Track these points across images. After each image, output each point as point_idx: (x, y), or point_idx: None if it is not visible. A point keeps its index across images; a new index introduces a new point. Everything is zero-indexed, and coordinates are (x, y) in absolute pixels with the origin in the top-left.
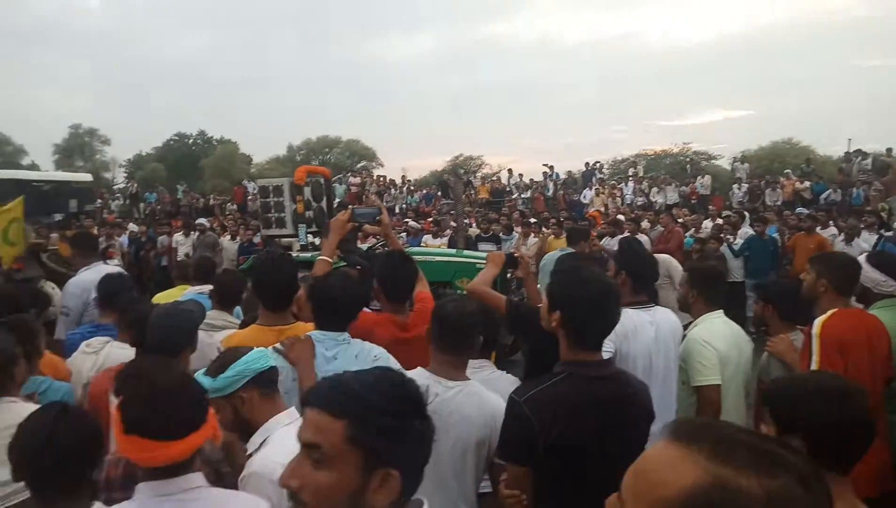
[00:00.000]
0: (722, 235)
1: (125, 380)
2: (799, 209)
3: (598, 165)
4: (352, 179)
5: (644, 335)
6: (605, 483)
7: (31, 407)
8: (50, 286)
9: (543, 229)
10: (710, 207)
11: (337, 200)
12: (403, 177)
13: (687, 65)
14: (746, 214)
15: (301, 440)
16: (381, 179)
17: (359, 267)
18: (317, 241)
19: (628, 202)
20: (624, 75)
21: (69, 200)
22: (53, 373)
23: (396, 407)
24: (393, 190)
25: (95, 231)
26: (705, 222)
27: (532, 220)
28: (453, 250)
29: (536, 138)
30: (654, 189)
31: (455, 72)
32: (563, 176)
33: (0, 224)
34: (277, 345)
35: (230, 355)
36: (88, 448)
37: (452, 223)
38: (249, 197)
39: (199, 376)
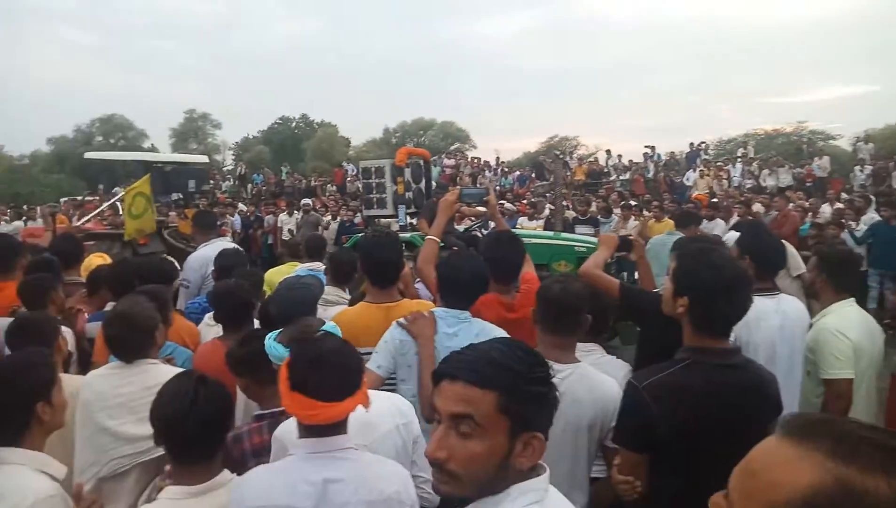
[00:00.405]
0: (843, 220)
1: (295, 342)
2: None
3: (703, 145)
4: (446, 161)
5: (768, 323)
6: (723, 476)
7: (171, 370)
8: (170, 261)
9: (644, 211)
10: (829, 190)
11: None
12: (497, 159)
13: (799, 37)
14: (873, 198)
15: (447, 413)
16: (476, 160)
17: (455, 247)
18: (414, 221)
19: (736, 185)
20: (729, 50)
21: (188, 180)
22: (181, 341)
23: (538, 374)
24: (487, 172)
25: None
26: (823, 206)
27: (632, 202)
28: (550, 233)
29: (634, 118)
30: (766, 171)
31: (551, 51)
32: (664, 157)
33: (127, 200)
34: (401, 320)
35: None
36: (224, 416)
37: (549, 205)
38: (348, 179)
39: (271, 341)
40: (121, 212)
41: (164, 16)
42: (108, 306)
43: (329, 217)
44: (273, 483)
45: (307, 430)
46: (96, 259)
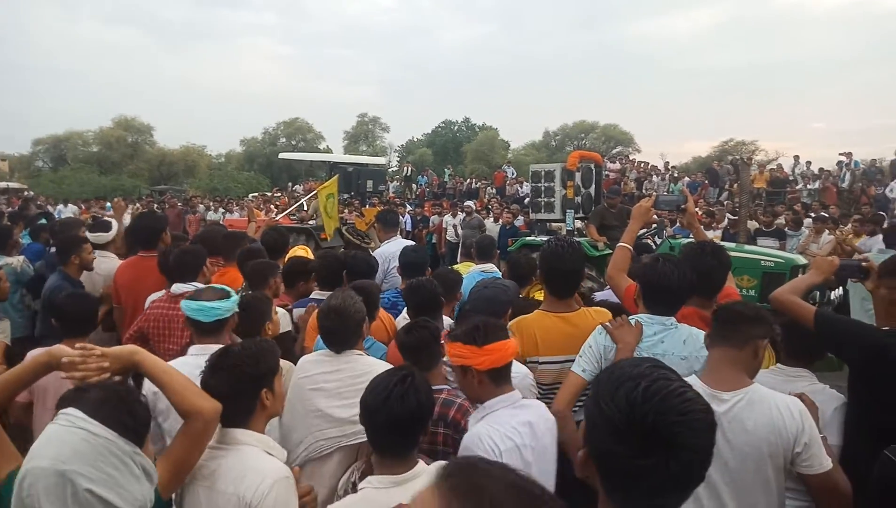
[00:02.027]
0: None
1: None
2: None
3: None
4: (610, 165)
5: None
6: None
7: (375, 362)
8: (374, 256)
9: (840, 225)
10: None
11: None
12: (666, 163)
13: None
14: None
15: None
16: (643, 165)
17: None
18: (581, 225)
19: None
20: None
21: (367, 180)
22: (384, 332)
23: None
24: (654, 177)
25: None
26: None
27: (824, 214)
28: (732, 244)
29: (826, 120)
30: None
31: (734, 48)
32: (862, 165)
33: (321, 200)
34: (606, 323)
35: None
36: (420, 416)
37: (728, 215)
38: (508, 182)
39: None
40: (305, 208)
41: (347, 24)
42: (315, 295)
43: (491, 219)
44: (497, 430)
45: (492, 383)
46: (300, 251)
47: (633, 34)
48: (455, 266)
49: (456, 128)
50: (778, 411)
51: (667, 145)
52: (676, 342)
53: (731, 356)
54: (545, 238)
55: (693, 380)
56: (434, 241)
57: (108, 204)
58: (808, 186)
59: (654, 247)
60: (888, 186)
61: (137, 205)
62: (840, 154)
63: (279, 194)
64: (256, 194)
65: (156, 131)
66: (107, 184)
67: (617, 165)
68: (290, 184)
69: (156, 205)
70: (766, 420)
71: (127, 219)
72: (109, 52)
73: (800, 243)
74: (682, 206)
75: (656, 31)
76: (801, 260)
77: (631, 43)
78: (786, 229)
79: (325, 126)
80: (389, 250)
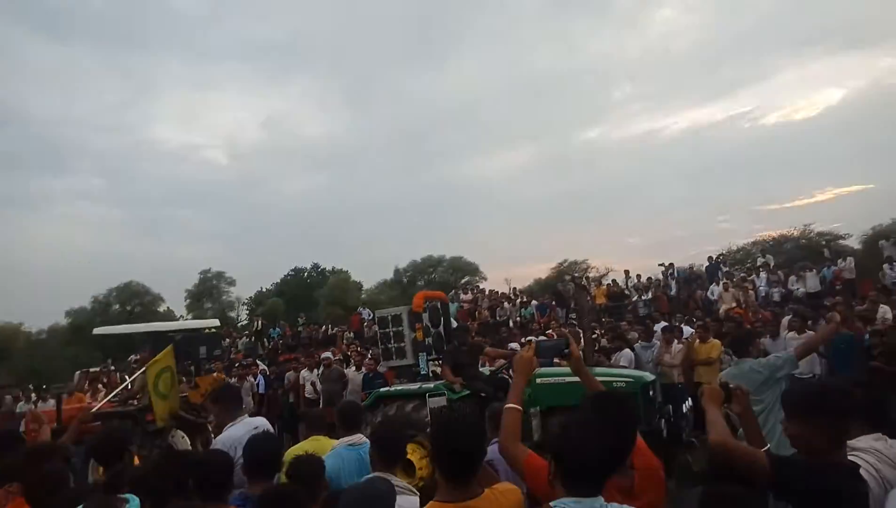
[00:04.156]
0: None
1: None
2: None
3: (721, 257)
4: (463, 297)
5: None
6: None
7: None
8: (180, 436)
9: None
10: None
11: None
12: (514, 289)
13: (788, 143)
14: None
15: None
16: (493, 293)
17: (483, 394)
18: (437, 369)
19: (762, 295)
20: (722, 162)
21: (199, 346)
22: None
23: None
24: (506, 304)
25: (224, 374)
26: (881, 309)
27: (672, 324)
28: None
29: (635, 237)
30: (793, 278)
31: (550, 179)
32: (683, 273)
33: (150, 378)
34: None
35: None
36: None
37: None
38: (365, 323)
39: None
40: (130, 386)
41: (179, 185)
42: None
43: (352, 369)
44: None
45: None
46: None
47: (460, 173)
48: (303, 443)
49: (306, 274)
50: None
51: (510, 270)
52: None
53: None
54: (408, 388)
55: None
56: (291, 401)
57: None
58: (643, 297)
59: (510, 381)
60: (709, 290)
61: None
62: (659, 264)
63: (103, 370)
64: (80, 371)
65: None
66: None
67: (469, 296)
68: (123, 356)
69: None
70: None
71: None
72: None
73: (655, 354)
74: (566, 350)
75: (480, 168)
76: (649, 377)
77: (459, 180)
78: (639, 343)
79: (164, 288)
80: (235, 435)
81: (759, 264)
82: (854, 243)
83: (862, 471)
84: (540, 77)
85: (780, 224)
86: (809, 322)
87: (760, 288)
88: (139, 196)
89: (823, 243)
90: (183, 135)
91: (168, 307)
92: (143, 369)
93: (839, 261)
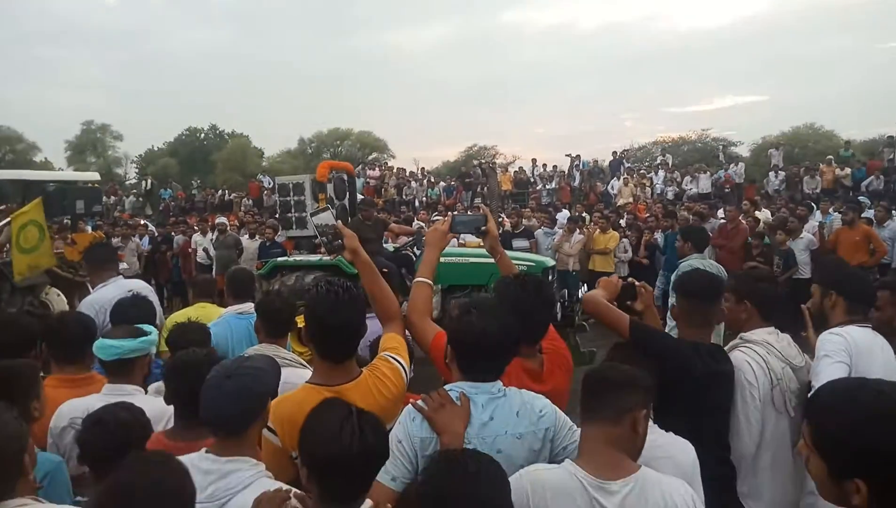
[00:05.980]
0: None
1: None
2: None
3: (625, 153)
4: (370, 172)
5: (881, 356)
6: None
7: None
8: (55, 293)
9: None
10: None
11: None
12: (423, 169)
13: (695, 50)
14: (814, 205)
15: None
16: (401, 171)
17: (385, 270)
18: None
19: (658, 192)
20: (632, 62)
21: (76, 201)
22: None
23: None
24: (413, 183)
25: (107, 232)
26: (761, 212)
27: (576, 215)
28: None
29: (546, 127)
30: (687, 178)
31: (466, 61)
32: (588, 165)
33: (13, 230)
34: (420, 402)
35: None
36: None
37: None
38: (265, 192)
39: None
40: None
41: (59, 23)
42: None
43: (247, 236)
44: None
45: None
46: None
47: (378, 44)
48: (187, 309)
49: (202, 135)
50: (672, 500)
51: (420, 151)
52: (508, 415)
53: (606, 435)
54: (308, 258)
55: (568, 467)
56: (180, 265)
57: None
58: (547, 187)
59: (413, 258)
60: (609, 184)
61: None
62: (567, 155)
63: None
64: None
65: None
66: None
67: (377, 172)
68: None
69: None
70: None
71: None
72: None
73: (554, 241)
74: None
75: (399, 42)
76: (550, 262)
77: (375, 52)
78: (539, 230)
79: (41, 136)
80: (104, 297)
81: (657, 162)
82: (744, 150)
83: (751, 361)
84: None
85: (680, 127)
86: None
87: (657, 185)
88: (9, 30)
89: (718, 148)
90: None
91: (45, 158)
92: (8, 220)
93: (731, 166)
